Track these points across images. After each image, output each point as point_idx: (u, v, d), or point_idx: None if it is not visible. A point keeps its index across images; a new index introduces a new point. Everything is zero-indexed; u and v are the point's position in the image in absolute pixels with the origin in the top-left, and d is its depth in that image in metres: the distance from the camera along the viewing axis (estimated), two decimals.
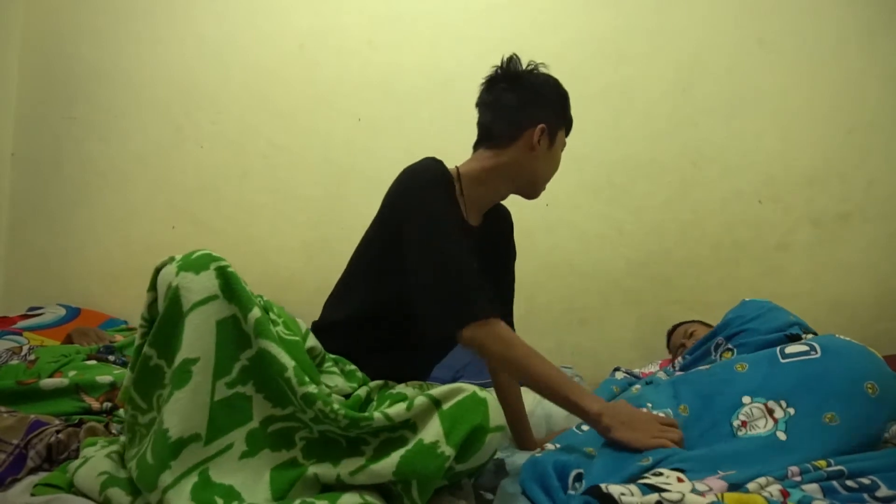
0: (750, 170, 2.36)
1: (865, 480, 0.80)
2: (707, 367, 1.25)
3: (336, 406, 0.97)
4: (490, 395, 0.99)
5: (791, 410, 0.97)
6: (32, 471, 1.05)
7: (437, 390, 0.98)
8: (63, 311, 2.44)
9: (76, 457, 1.12)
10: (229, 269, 1.00)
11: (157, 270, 1.01)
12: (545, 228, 2.46)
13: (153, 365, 0.99)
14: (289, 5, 2.64)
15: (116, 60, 2.70)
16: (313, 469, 0.97)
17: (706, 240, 2.37)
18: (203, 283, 0.97)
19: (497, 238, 1.44)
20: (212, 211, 2.63)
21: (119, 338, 1.93)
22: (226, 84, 2.63)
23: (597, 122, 2.44)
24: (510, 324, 1.42)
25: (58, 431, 1.13)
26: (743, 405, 1.02)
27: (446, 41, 2.53)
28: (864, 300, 2.26)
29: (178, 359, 0.95)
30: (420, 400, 0.97)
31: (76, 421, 1.21)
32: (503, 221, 1.47)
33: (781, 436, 0.94)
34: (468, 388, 0.98)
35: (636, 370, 2.10)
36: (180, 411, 0.93)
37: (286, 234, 2.62)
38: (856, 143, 2.31)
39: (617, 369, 2.07)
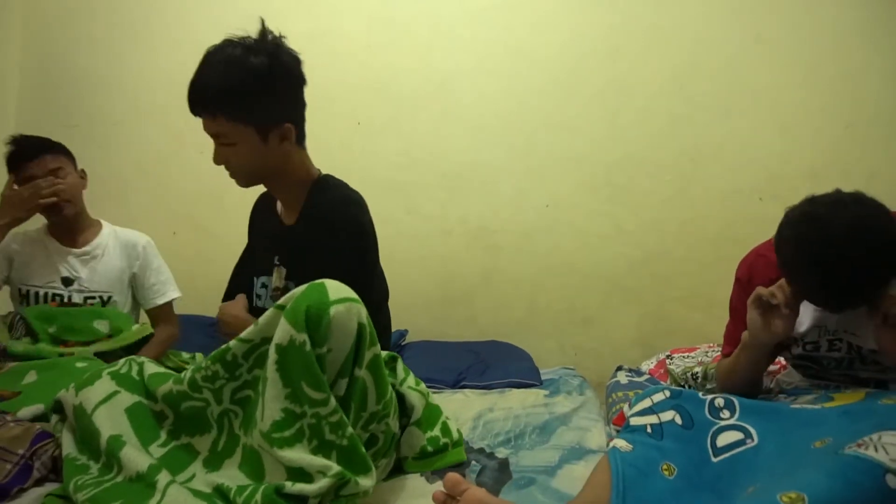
0: (749, 166, 2.36)
1: None
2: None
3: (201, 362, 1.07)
4: (330, 280, 1.00)
5: None
6: (38, 482, 1.05)
7: (281, 299, 1.00)
8: None
9: None
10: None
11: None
12: (545, 229, 2.46)
13: None
14: (286, 9, 2.63)
15: (114, 68, 2.69)
16: (248, 442, 1.01)
17: (706, 237, 2.37)
18: None
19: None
20: (213, 216, 2.63)
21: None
22: None
23: (595, 121, 2.44)
24: None
25: None
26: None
27: (443, 43, 2.52)
28: None
29: None
30: (264, 316, 1.01)
31: None
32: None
33: None
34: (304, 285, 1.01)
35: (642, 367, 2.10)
36: None
37: None
38: (855, 137, 2.31)
39: (620, 368, 2.08)
